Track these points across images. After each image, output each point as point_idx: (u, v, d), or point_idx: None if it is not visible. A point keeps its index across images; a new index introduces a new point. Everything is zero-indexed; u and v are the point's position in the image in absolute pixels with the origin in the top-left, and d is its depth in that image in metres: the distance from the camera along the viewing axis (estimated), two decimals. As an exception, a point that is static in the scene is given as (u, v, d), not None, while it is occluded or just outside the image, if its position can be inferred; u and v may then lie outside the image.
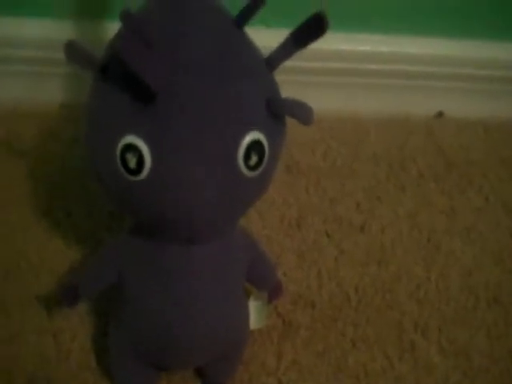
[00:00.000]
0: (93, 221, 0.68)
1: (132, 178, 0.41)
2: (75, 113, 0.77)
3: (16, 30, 0.76)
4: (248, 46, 0.44)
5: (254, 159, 0.41)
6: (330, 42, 0.79)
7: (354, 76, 0.85)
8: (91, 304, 0.61)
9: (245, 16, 0.43)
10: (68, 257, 0.65)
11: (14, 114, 0.79)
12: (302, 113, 0.41)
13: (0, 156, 0.74)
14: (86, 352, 0.58)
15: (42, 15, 0.76)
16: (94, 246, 0.66)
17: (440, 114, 0.89)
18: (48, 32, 0.75)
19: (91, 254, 0.64)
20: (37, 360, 0.57)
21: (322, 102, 0.80)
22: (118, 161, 0.41)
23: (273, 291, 0.57)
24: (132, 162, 0.40)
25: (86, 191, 0.71)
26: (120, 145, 0.40)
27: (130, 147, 0.40)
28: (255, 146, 0.41)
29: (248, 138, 0.41)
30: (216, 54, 0.41)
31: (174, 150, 0.40)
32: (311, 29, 0.41)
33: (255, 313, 0.55)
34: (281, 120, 0.44)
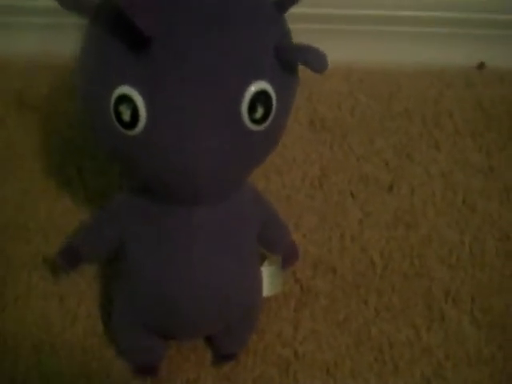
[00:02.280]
0: (104, 179, 0.66)
1: (127, 133, 0.39)
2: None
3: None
4: None
5: (259, 112, 0.39)
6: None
7: (386, 24, 0.80)
8: (99, 268, 0.59)
9: None
10: (77, 216, 0.62)
11: (28, 67, 0.77)
12: (315, 59, 0.38)
13: (13, 110, 0.73)
14: (93, 318, 0.57)
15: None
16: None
17: (481, 65, 0.83)
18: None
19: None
20: (42, 324, 0.56)
21: (351, 52, 0.77)
22: (112, 113, 0.38)
23: (287, 255, 0.54)
24: (126, 114, 0.38)
25: (98, 148, 0.68)
26: (113, 96, 0.38)
27: (124, 98, 0.38)
28: (261, 97, 0.39)
29: (253, 89, 0.38)
30: None
31: (170, 101, 0.37)
32: None
33: (269, 278, 0.52)
34: (292, 69, 0.41)
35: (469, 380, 0.54)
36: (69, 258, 0.50)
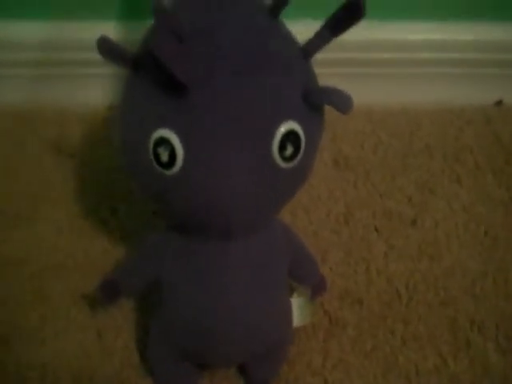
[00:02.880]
0: (138, 220, 0.68)
1: (165, 172, 0.40)
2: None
3: (61, 33, 0.77)
4: (284, 35, 0.43)
5: (289, 150, 0.41)
6: (382, 32, 0.78)
7: (406, 66, 0.82)
8: (136, 302, 0.61)
9: (279, 5, 0.42)
10: (113, 255, 0.65)
11: (62, 116, 0.80)
12: (340, 100, 0.40)
13: (50, 157, 0.75)
14: (130, 350, 0.58)
15: (86, 18, 0.76)
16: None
17: (499, 103, 0.85)
18: (91, 33, 0.76)
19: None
20: (81, 357, 0.58)
21: (373, 94, 0.79)
22: (151, 155, 0.40)
23: (316, 287, 0.55)
24: (164, 155, 0.40)
25: (132, 191, 0.70)
26: (152, 139, 0.40)
27: (163, 141, 0.40)
28: (291, 136, 0.40)
29: (283, 129, 0.40)
30: (251, 44, 0.41)
31: (205, 143, 0.39)
32: (347, 14, 0.40)
33: (298, 309, 0.53)
34: (318, 110, 0.43)
35: (495, 406, 0.55)
36: (108, 292, 0.52)
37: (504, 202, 0.71)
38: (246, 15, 0.42)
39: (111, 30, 0.76)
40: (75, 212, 0.69)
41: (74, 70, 0.79)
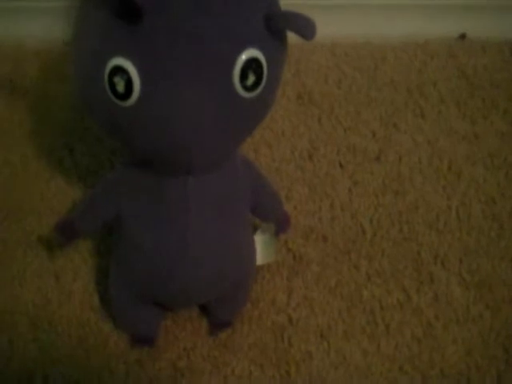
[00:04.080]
0: (95, 158, 0.66)
1: (121, 104, 0.39)
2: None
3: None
4: None
5: (251, 79, 0.39)
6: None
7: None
8: (94, 243, 0.59)
9: None
10: (70, 196, 0.63)
11: (18, 51, 0.77)
12: (304, 26, 0.38)
13: (4, 94, 0.72)
14: (89, 293, 0.57)
15: None
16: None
17: (463, 36, 0.83)
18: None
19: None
20: (39, 301, 0.57)
21: (336, 26, 0.76)
22: (106, 85, 0.38)
23: (280, 223, 0.55)
24: (120, 85, 0.38)
25: (89, 129, 0.68)
26: (107, 68, 0.38)
27: (118, 70, 0.38)
28: (252, 64, 0.39)
29: (244, 56, 0.38)
30: None
31: (163, 71, 0.38)
32: None
33: (262, 247, 0.53)
34: (281, 37, 0.42)
35: (458, 338, 0.55)
36: (66, 232, 0.51)
37: (468, 136, 0.71)
38: None
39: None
40: (30, 153, 0.67)
41: (29, 3, 0.76)
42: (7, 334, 0.54)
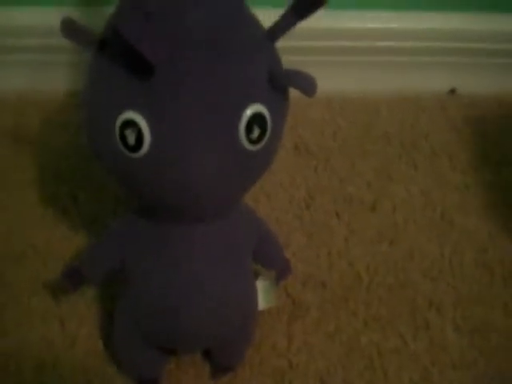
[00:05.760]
0: (99, 206, 0.68)
1: (132, 155, 0.40)
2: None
3: (18, 19, 0.75)
4: (249, 18, 0.44)
5: (256, 132, 0.41)
6: (341, 20, 0.79)
7: (364, 54, 0.83)
8: (98, 290, 0.60)
9: None
10: (74, 243, 0.64)
11: (19, 103, 0.78)
12: (305, 83, 0.40)
13: (7, 145, 0.74)
14: (94, 338, 0.58)
15: (44, 3, 0.75)
16: (101, 231, 0.65)
17: (453, 91, 0.87)
18: (50, 19, 0.74)
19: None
20: (44, 346, 0.57)
21: (332, 82, 0.79)
22: (118, 138, 0.40)
23: (281, 270, 0.56)
24: (131, 138, 0.40)
25: (92, 177, 0.70)
26: (119, 121, 0.40)
27: (129, 123, 0.39)
28: (257, 118, 0.41)
29: (249, 111, 0.40)
30: (217, 27, 0.41)
31: (172, 125, 0.39)
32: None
33: (263, 293, 0.54)
34: (284, 93, 0.44)
35: (454, 383, 0.56)
36: (72, 279, 0.52)
37: (459, 186, 0.73)
38: None
39: (73, 15, 0.75)
40: (35, 200, 0.68)
41: (32, 57, 0.78)
42: (12, 379, 0.55)
